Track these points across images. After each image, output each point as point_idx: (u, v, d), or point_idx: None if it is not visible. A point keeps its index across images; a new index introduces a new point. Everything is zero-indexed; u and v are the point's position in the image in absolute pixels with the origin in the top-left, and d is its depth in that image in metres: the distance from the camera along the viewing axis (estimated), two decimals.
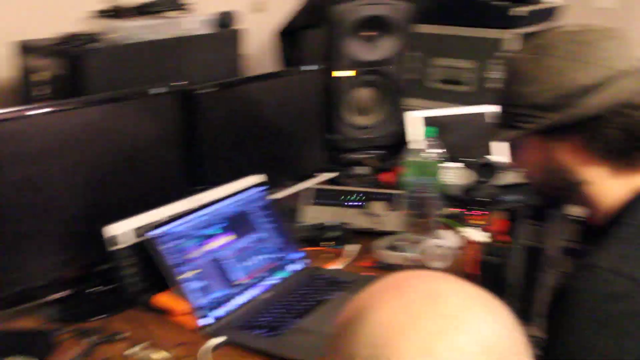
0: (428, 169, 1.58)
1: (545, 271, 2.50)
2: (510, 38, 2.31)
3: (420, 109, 2.26)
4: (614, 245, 0.93)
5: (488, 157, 2.11)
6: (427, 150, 1.58)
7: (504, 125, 1.10)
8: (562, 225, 2.64)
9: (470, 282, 0.62)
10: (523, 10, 2.37)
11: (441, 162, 1.58)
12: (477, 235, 1.72)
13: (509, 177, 2.01)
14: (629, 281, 0.88)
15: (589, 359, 0.90)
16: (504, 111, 1.11)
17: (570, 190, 1.07)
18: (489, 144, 2.18)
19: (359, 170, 2.13)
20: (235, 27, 2.08)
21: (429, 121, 2.17)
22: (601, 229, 1.03)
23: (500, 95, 1.13)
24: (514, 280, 2.24)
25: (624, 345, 0.88)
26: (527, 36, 2.45)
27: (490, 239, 1.75)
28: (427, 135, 1.58)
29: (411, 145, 1.63)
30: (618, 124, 0.98)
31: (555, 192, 1.13)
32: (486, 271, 1.90)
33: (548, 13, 2.62)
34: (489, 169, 2.00)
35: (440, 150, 1.57)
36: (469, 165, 2.01)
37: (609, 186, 1.03)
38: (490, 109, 2.18)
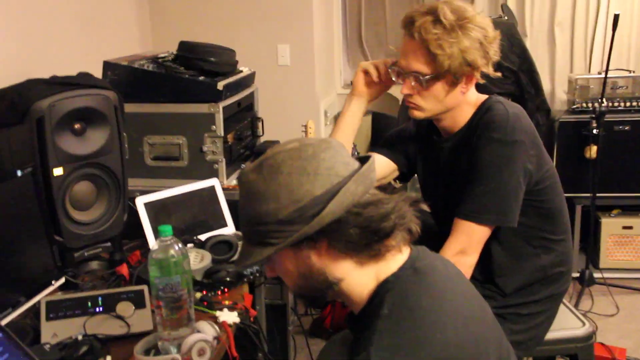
0: (172, 266, 1.57)
1: (290, 322, 2.66)
2: (218, 110, 2.40)
3: (142, 190, 2.24)
4: (379, 339, 1.05)
5: (222, 232, 2.17)
6: (167, 248, 1.57)
7: (254, 244, 1.16)
8: None
9: None
10: (228, 82, 2.49)
11: (183, 256, 1.58)
12: (229, 316, 1.76)
13: None
14: None
15: None
16: (251, 230, 1.16)
17: (328, 289, 1.17)
18: (223, 217, 2.25)
19: (94, 266, 2.04)
20: None
21: (157, 205, 2.16)
22: (361, 317, 1.15)
23: (244, 216, 1.19)
24: (267, 341, 2.34)
25: None
26: (231, 106, 2.59)
27: (240, 316, 1.81)
28: (163, 234, 1.57)
29: (151, 245, 1.61)
30: (353, 223, 1.11)
31: (315, 293, 1.21)
32: (243, 347, 1.96)
33: (247, 80, 2.80)
34: (225, 245, 2.06)
35: (180, 245, 1.58)
36: (205, 246, 2.05)
37: (357, 278, 1.15)
38: (212, 182, 2.27)
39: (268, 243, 1.13)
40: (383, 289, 1.13)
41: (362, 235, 1.12)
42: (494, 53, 1.74)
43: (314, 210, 1.09)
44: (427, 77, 1.73)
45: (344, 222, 1.11)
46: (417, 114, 1.84)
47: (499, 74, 1.78)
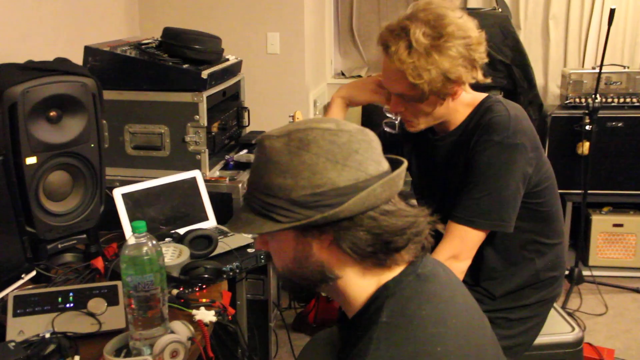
0: (145, 264, 1.49)
1: (272, 317, 2.60)
2: (202, 100, 2.32)
3: (122, 180, 2.16)
4: (375, 349, 0.98)
5: (202, 226, 2.10)
6: (141, 245, 1.49)
7: (256, 213, 1.08)
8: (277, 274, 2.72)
9: None
10: (212, 70, 2.41)
11: (158, 253, 1.50)
12: (206, 315, 1.69)
13: (225, 244, 2.04)
14: None
15: None
16: (257, 197, 1.08)
17: (321, 282, 1.10)
18: (204, 210, 2.18)
19: (68, 258, 1.97)
20: None
21: (135, 196, 2.09)
22: (356, 321, 1.08)
23: (255, 179, 1.10)
24: (248, 337, 2.28)
25: None
26: (216, 95, 2.51)
27: (218, 316, 1.74)
28: (136, 230, 1.49)
29: (126, 241, 1.54)
30: (366, 227, 1.04)
31: (305, 282, 1.12)
32: (223, 343, 1.89)
33: (233, 69, 2.71)
34: (204, 240, 1.99)
35: (154, 242, 1.50)
36: (184, 241, 1.98)
37: (357, 279, 1.09)
38: (194, 174, 2.20)
39: (272, 218, 1.05)
40: (383, 294, 1.06)
41: (371, 242, 1.04)
42: (481, 57, 1.65)
43: (331, 201, 1.01)
44: (410, 99, 1.70)
45: (357, 223, 1.03)
46: (412, 129, 1.80)
47: (488, 80, 1.70)
